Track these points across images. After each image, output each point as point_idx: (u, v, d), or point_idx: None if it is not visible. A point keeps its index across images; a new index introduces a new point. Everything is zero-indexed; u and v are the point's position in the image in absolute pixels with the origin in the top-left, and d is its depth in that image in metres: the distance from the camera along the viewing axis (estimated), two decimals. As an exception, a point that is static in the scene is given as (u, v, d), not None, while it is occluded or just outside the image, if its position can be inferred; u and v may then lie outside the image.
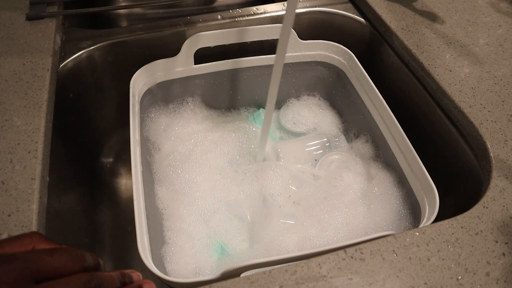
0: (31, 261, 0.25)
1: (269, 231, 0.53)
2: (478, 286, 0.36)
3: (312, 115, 0.70)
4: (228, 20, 0.68)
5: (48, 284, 0.25)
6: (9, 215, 0.40)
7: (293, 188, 0.59)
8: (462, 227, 0.40)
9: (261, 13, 0.69)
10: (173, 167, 0.60)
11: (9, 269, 0.24)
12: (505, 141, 0.48)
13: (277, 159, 0.62)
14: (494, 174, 0.45)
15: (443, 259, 0.37)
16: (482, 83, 0.54)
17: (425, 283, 0.36)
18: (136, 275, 0.31)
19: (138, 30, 0.66)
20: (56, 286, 0.25)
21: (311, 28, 0.73)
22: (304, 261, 0.37)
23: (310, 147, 0.64)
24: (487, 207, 0.42)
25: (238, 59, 0.64)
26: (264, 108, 0.66)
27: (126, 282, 0.30)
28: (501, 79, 0.55)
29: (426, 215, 0.45)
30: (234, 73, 0.65)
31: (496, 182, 0.44)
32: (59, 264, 0.26)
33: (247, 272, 0.37)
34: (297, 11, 0.67)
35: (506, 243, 0.39)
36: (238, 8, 0.69)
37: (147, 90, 0.60)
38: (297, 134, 0.68)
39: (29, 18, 0.62)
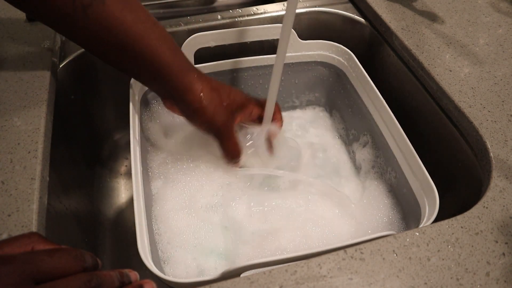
0: (31, 262, 0.25)
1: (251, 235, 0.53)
2: (478, 286, 0.36)
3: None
4: (228, 20, 0.68)
5: (48, 285, 0.25)
6: (9, 215, 0.40)
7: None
8: (462, 227, 0.40)
9: (261, 13, 0.69)
10: (173, 166, 0.60)
11: (9, 270, 0.24)
12: (505, 141, 0.48)
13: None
14: (494, 174, 0.45)
15: (443, 259, 0.37)
16: (482, 83, 0.54)
17: (425, 283, 0.36)
18: (134, 275, 0.31)
19: (138, 30, 0.66)
20: (56, 286, 0.25)
21: (311, 28, 0.73)
22: (304, 261, 0.37)
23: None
24: (487, 207, 0.42)
25: (238, 59, 0.64)
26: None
27: (124, 281, 0.30)
28: (501, 79, 0.55)
29: (426, 215, 0.45)
30: (234, 73, 0.65)
31: (496, 182, 0.44)
32: (58, 264, 0.26)
33: (247, 272, 0.37)
34: (297, 11, 0.67)
35: (506, 243, 0.39)
36: (238, 8, 0.69)
37: (147, 90, 0.60)
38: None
39: (29, 18, 0.62)
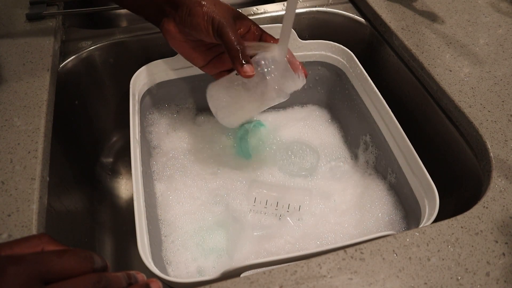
0: (41, 262, 0.25)
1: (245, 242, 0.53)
2: (478, 286, 0.36)
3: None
4: (228, 20, 0.68)
5: (57, 285, 0.25)
6: (9, 215, 0.40)
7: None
8: (462, 227, 0.40)
9: (261, 13, 0.69)
10: (173, 166, 0.60)
11: (19, 270, 0.24)
12: (505, 141, 0.48)
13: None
14: (494, 174, 0.45)
15: (443, 259, 0.37)
16: (482, 83, 0.54)
17: (425, 283, 0.36)
18: (141, 276, 0.31)
19: (138, 30, 0.66)
20: (65, 286, 0.25)
21: (311, 28, 0.73)
22: (304, 261, 0.37)
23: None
24: (487, 207, 0.42)
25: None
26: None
27: (131, 282, 0.30)
28: (501, 79, 0.55)
29: (426, 215, 0.45)
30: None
31: (496, 182, 0.44)
32: (68, 265, 0.26)
33: (247, 272, 0.37)
34: (297, 11, 0.67)
35: (506, 243, 0.39)
36: (238, 8, 0.69)
37: (147, 90, 0.60)
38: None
39: (29, 18, 0.62)
